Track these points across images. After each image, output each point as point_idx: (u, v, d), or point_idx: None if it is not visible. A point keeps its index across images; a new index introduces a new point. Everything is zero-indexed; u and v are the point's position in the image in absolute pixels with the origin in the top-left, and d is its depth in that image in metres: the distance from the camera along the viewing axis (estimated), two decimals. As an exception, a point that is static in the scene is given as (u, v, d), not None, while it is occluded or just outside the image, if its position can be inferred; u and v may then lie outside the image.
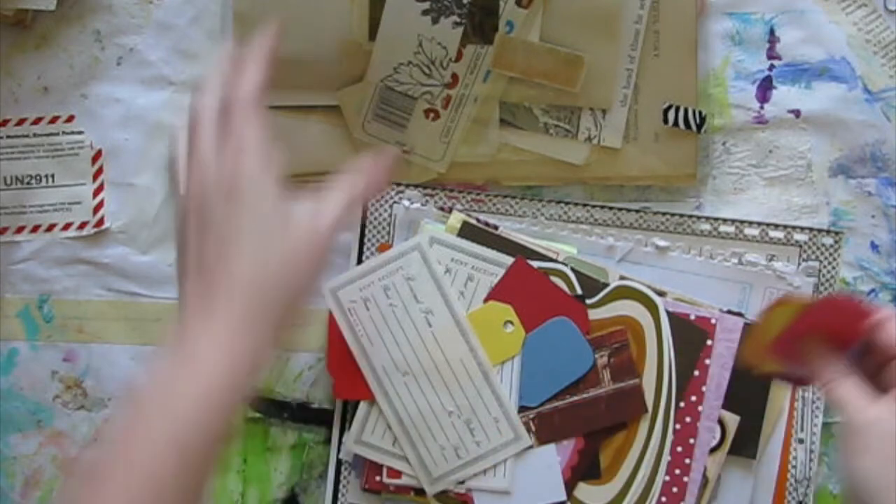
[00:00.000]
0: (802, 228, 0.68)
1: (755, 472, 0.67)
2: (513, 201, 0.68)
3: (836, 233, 0.68)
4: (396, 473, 0.66)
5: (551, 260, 0.67)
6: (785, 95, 0.69)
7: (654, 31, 0.68)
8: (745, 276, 0.67)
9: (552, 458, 0.66)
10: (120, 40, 0.69)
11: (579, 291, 0.66)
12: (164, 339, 0.48)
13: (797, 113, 0.69)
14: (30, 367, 0.70)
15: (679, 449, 0.66)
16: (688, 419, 0.66)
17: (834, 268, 0.68)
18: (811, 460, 0.68)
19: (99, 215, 0.70)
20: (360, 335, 0.66)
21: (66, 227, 0.70)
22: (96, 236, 0.70)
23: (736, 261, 0.68)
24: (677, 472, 0.66)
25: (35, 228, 0.70)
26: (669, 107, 0.68)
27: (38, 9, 0.67)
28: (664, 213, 0.68)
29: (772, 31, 0.69)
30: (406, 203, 0.68)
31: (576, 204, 0.68)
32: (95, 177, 0.70)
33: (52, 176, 0.70)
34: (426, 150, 0.68)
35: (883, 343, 0.52)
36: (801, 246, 0.68)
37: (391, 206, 0.68)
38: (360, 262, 0.68)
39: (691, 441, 0.66)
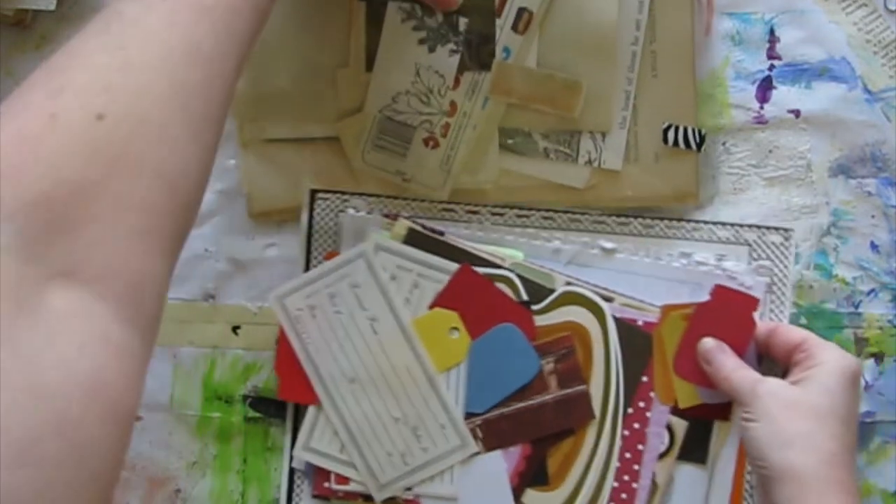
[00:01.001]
0: (751, 226, 0.68)
1: (708, 476, 0.67)
2: (458, 207, 0.68)
3: (785, 230, 0.67)
4: (344, 480, 0.67)
5: (497, 266, 0.67)
6: (785, 95, 0.69)
7: (650, 51, 0.68)
8: (695, 276, 0.67)
9: (499, 465, 0.66)
10: (120, 40, 0.69)
11: (525, 297, 0.66)
12: None
13: (797, 113, 0.69)
14: (30, 366, 0.70)
15: (627, 455, 0.66)
16: (636, 425, 0.66)
17: (786, 266, 0.67)
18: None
19: (99, 215, 0.69)
20: (307, 342, 0.66)
21: (66, 226, 0.69)
22: (96, 236, 0.70)
23: (685, 261, 0.67)
24: (626, 478, 0.66)
25: (35, 228, 0.70)
26: (669, 126, 0.68)
27: (38, 9, 0.68)
28: (609, 215, 0.68)
29: (772, 31, 0.69)
30: (352, 211, 0.68)
31: (521, 208, 0.68)
32: (95, 176, 0.69)
33: (52, 176, 0.70)
34: (427, 179, 0.68)
35: (778, 347, 0.61)
36: (749, 244, 0.68)
37: (337, 215, 0.68)
38: (307, 271, 0.68)
39: (640, 447, 0.66)
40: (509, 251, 0.67)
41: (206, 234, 0.70)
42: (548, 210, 0.68)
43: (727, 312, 0.63)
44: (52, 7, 0.67)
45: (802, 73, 0.69)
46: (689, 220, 0.68)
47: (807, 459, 0.55)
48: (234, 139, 0.69)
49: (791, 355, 0.60)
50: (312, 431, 0.67)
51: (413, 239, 0.67)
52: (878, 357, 0.69)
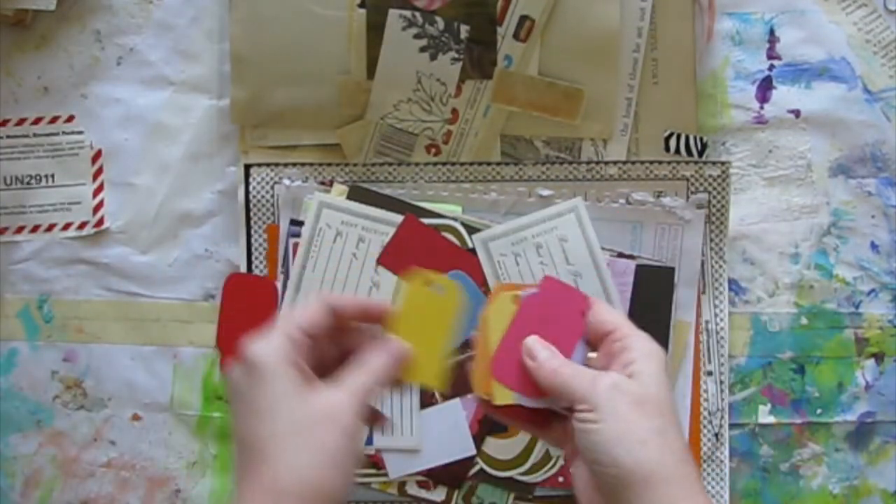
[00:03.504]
0: (688, 162, 0.67)
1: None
2: (391, 168, 0.68)
3: (723, 163, 0.67)
4: None
5: (440, 216, 0.67)
6: (785, 95, 0.69)
7: (652, 59, 0.68)
8: (635, 215, 0.67)
9: (458, 413, 0.66)
10: (120, 40, 0.70)
11: (471, 245, 0.66)
12: None
13: (797, 113, 0.69)
14: (30, 367, 0.71)
15: (586, 395, 0.66)
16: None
17: (724, 197, 0.67)
18: (722, 391, 0.67)
19: (99, 215, 0.70)
20: None
21: (66, 227, 0.70)
22: (96, 236, 0.70)
23: (623, 201, 0.67)
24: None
25: (35, 228, 0.70)
26: (671, 134, 0.68)
27: (38, 9, 0.68)
28: (543, 164, 0.68)
29: (772, 31, 0.69)
30: (287, 182, 0.68)
31: (453, 164, 0.68)
32: (95, 177, 0.70)
33: (52, 176, 0.70)
34: (429, 186, 0.69)
35: (593, 326, 0.54)
36: (687, 179, 0.67)
37: (272, 187, 0.68)
38: (249, 245, 0.68)
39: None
40: (447, 206, 0.67)
41: (206, 234, 0.70)
42: (482, 163, 0.68)
43: (556, 308, 0.56)
44: (52, 7, 0.68)
45: (802, 73, 0.69)
46: (625, 162, 0.68)
47: (665, 458, 0.49)
48: (234, 145, 0.69)
49: (601, 341, 0.54)
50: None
51: (356, 195, 0.67)
52: (878, 357, 0.69)
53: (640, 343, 0.52)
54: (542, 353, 0.53)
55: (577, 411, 0.50)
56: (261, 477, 0.46)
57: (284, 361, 0.48)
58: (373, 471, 0.67)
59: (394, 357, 0.52)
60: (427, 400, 0.66)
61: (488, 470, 0.67)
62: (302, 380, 0.48)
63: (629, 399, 0.49)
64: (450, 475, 0.67)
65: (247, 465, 0.47)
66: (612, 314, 0.54)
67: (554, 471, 0.67)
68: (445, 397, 0.66)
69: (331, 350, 0.52)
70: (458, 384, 0.66)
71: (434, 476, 0.67)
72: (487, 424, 0.66)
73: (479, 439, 0.66)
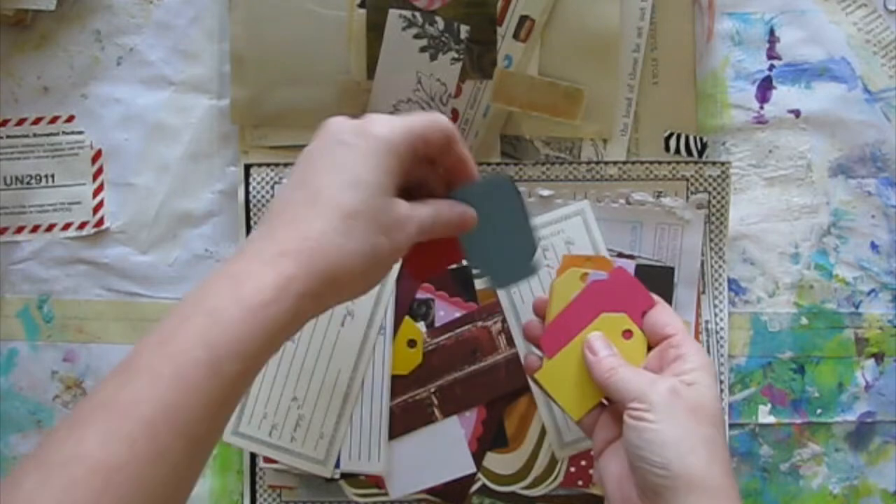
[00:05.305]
0: (688, 162, 0.68)
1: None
2: None
3: (723, 163, 0.67)
4: (270, 459, 0.67)
5: None
6: (785, 95, 0.69)
7: (652, 59, 0.68)
8: (635, 215, 0.67)
9: (457, 432, 0.66)
10: (120, 40, 0.70)
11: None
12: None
13: (797, 113, 0.69)
14: (30, 367, 0.70)
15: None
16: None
17: (724, 198, 0.67)
18: (721, 391, 0.68)
19: (99, 215, 0.70)
20: None
21: (66, 227, 0.70)
22: (96, 236, 0.70)
23: (623, 201, 0.67)
24: (586, 429, 0.66)
25: (35, 228, 0.70)
26: (671, 135, 0.68)
27: (38, 9, 0.68)
28: (543, 164, 0.68)
29: (772, 31, 0.69)
30: (286, 181, 0.67)
31: None
32: (95, 177, 0.70)
33: (52, 176, 0.70)
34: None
35: (652, 327, 0.56)
36: (687, 179, 0.67)
37: (272, 187, 0.68)
38: None
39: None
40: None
41: (206, 234, 0.70)
42: (482, 163, 0.68)
43: (620, 299, 0.58)
44: (52, 7, 0.68)
45: (802, 73, 0.69)
46: (625, 162, 0.68)
47: (713, 469, 0.50)
48: (234, 145, 0.69)
49: (658, 342, 0.56)
50: (241, 413, 0.66)
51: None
52: (878, 357, 0.69)
53: (696, 354, 0.54)
54: (604, 351, 0.56)
55: (631, 409, 0.52)
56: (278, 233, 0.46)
57: (396, 155, 0.48)
58: (374, 490, 0.67)
59: (459, 216, 0.53)
60: (425, 419, 0.67)
61: (490, 485, 0.67)
62: (392, 182, 0.48)
63: (686, 406, 0.51)
64: (451, 493, 0.67)
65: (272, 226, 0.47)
66: (672, 318, 0.56)
67: (555, 485, 0.67)
68: (445, 414, 0.66)
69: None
70: (457, 401, 0.66)
71: (436, 495, 0.67)
72: (487, 441, 0.67)
73: (479, 456, 0.66)
